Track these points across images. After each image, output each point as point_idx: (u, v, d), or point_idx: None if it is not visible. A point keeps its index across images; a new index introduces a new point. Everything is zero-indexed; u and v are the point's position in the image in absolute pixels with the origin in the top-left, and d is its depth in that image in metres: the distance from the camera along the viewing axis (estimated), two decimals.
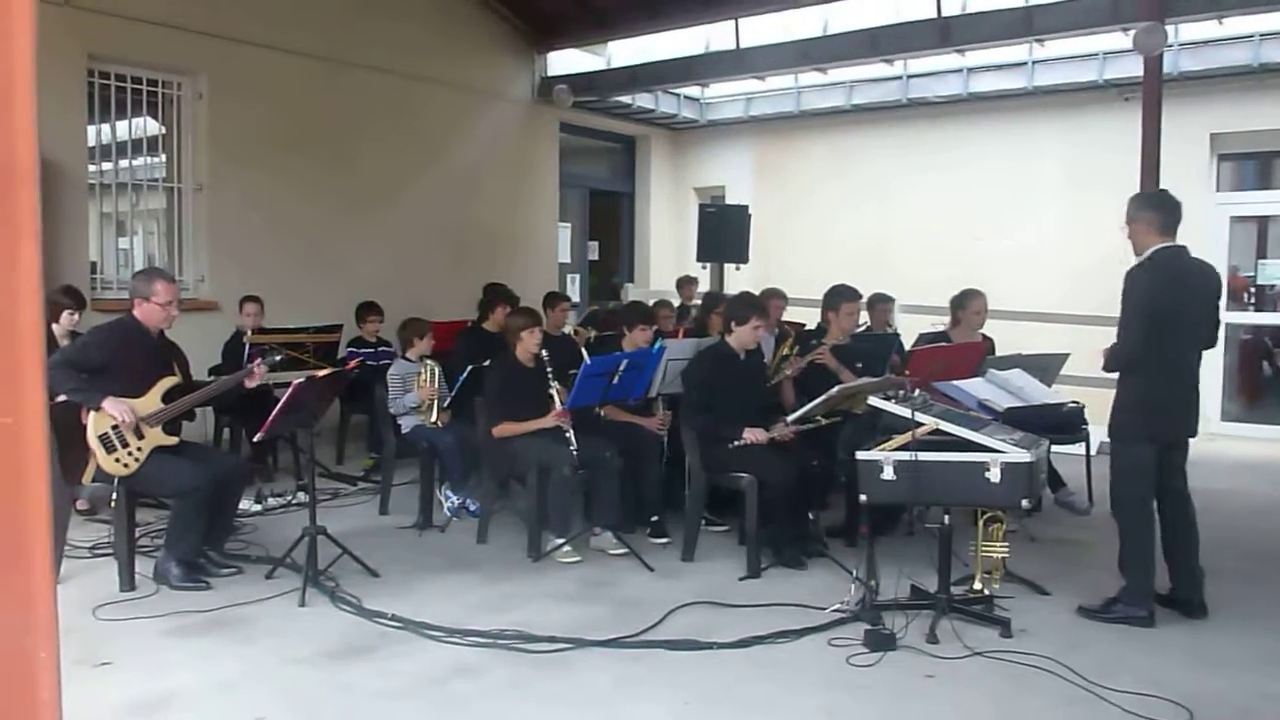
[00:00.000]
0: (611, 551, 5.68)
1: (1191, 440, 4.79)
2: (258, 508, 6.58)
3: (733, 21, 10.49)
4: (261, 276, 8.54)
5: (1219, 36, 9.86)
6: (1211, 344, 4.77)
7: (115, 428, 4.85)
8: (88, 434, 4.80)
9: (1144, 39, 7.78)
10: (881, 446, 4.46)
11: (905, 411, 4.44)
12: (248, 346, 7.01)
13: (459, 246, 10.75)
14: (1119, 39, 9.25)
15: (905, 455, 4.32)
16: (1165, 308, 4.50)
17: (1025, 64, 10.96)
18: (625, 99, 12.43)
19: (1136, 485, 4.61)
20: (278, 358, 5.74)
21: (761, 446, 5.46)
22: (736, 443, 5.44)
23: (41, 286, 1.32)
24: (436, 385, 6.61)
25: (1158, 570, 4.68)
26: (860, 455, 4.46)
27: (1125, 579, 4.64)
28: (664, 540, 5.95)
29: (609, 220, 13.99)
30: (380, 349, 8.27)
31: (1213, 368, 10.14)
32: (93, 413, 4.82)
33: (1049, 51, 10.71)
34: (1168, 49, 9.19)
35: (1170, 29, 8.82)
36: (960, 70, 11.35)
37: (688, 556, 5.64)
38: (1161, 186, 7.67)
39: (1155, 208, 4.65)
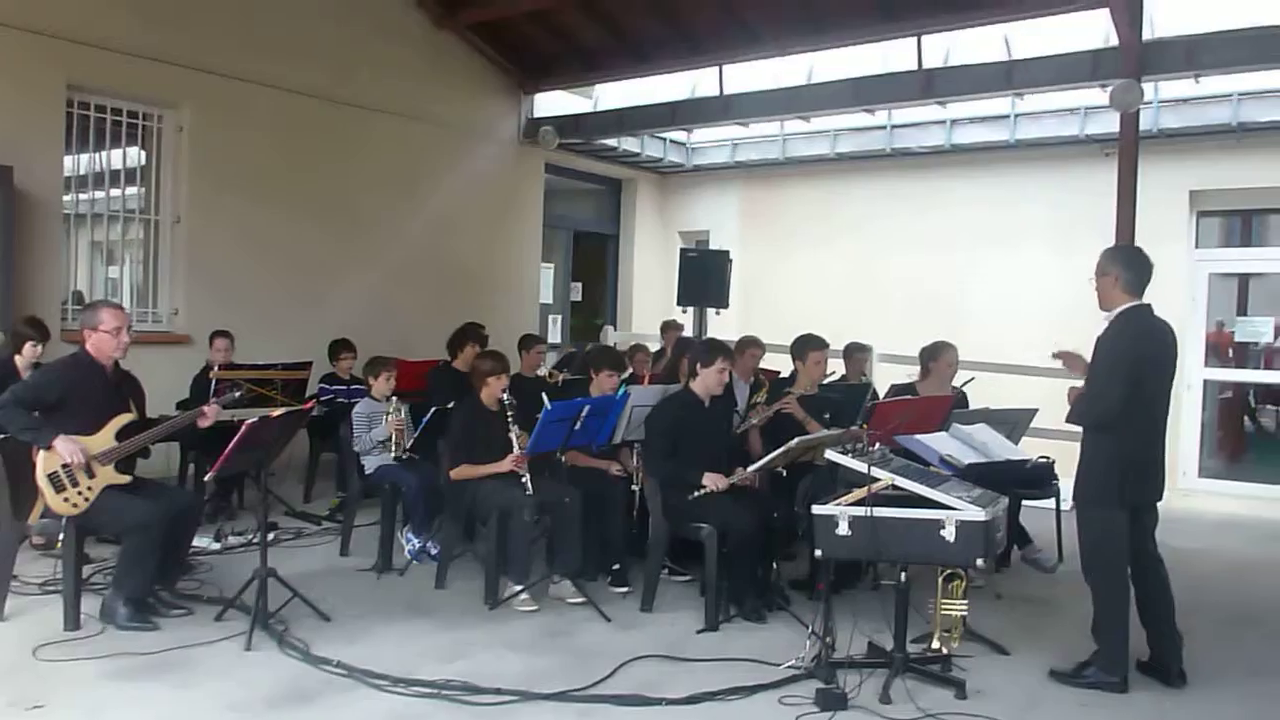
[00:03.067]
0: (570, 600, 5.60)
1: (1160, 501, 4.73)
2: (217, 546, 6.49)
3: (718, 68, 10.56)
4: (237, 311, 8.52)
5: (1198, 95, 9.93)
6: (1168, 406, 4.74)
7: (65, 466, 4.78)
8: (36, 472, 4.73)
9: (1121, 95, 7.83)
10: (837, 500, 4.41)
11: (861, 466, 4.39)
12: (214, 382, 6.97)
13: (441, 284, 10.73)
14: (1100, 94, 9.31)
15: (860, 510, 4.27)
16: (1138, 369, 4.46)
17: (1008, 117, 11.03)
18: (611, 142, 12.50)
19: (1112, 550, 4.53)
20: (237, 394, 5.69)
21: (724, 496, 5.40)
22: (697, 493, 5.38)
23: None
24: (404, 418, 6.57)
25: (1136, 636, 4.60)
26: (816, 509, 4.41)
27: (1099, 644, 4.56)
28: (625, 590, 5.87)
29: (593, 262, 14.01)
30: (353, 386, 8.19)
31: (1191, 424, 10.13)
32: (43, 451, 4.75)
33: (1031, 105, 10.80)
34: (1148, 106, 9.28)
35: (1150, 86, 8.89)
36: (943, 122, 11.42)
37: (647, 607, 5.56)
38: (1136, 243, 7.73)
39: (1127, 265, 4.60)
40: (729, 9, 9.75)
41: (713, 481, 5.40)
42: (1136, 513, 4.59)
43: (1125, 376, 4.41)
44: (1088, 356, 4.71)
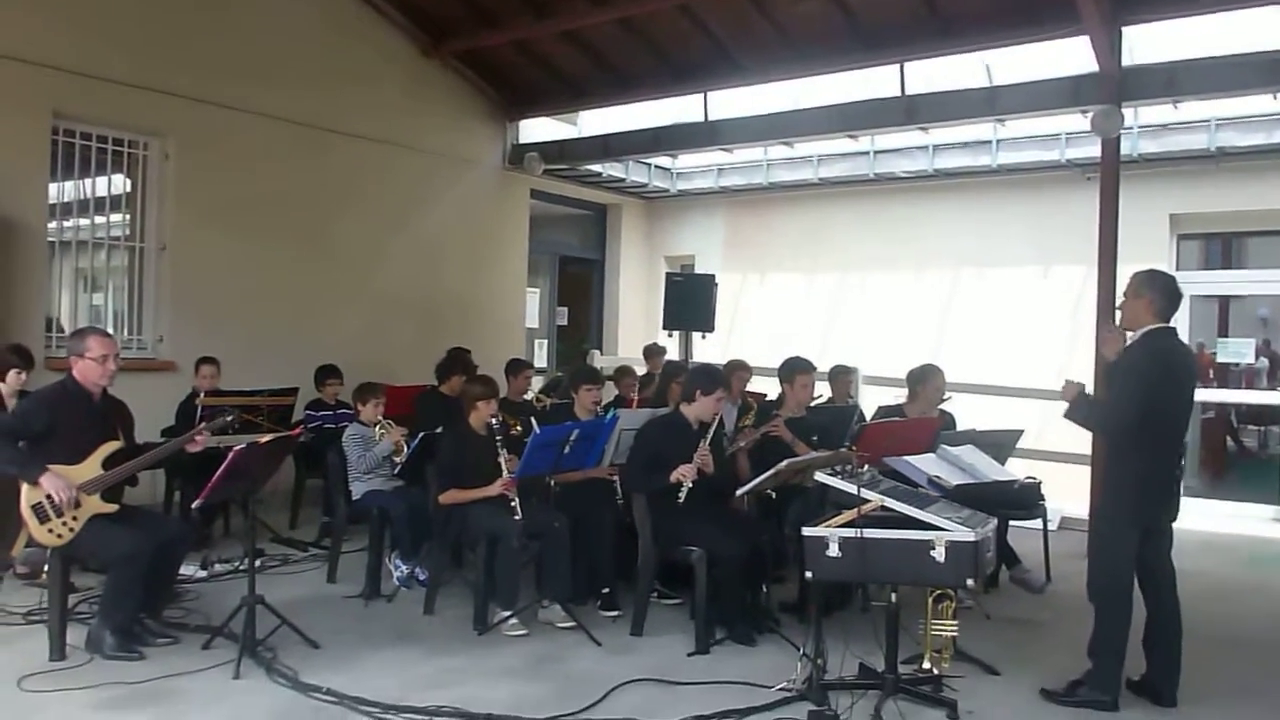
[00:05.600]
0: (559, 625, 5.57)
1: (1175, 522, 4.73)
2: (203, 574, 6.45)
3: (702, 95, 10.62)
4: (222, 338, 8.46)
5: (1177, 120, 10.05)
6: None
7: (50, 497, 4.73)
8: (20, 502, 4.68)
9: (1101, 121, 7.91)
10: (827, 522, 4.41)
11: (851, 487, 4.40)
12: (200, 409, 6.93)
13: (426, 310, 10.73)
14: (1080, 120, 9.40)
15: (850, 532, 4.27)
16: (1162, 391, 4.49)
17: (990, 143, 11.14)
18: (596, 167, 12.55)
19: (1122, 571, 4.55)
20: (228, 418, 5.65)
21: (713, 520, 5.40)
22: (679, 496, 5.41)
23: None
24: (400, 430, 6.58)
25: (1134, 655, 4.61)
26: (806, 531, 4.41)
27: (1093, 663, 4.57)
28: (615, 613, 5.84)
29: (579, 287, 14.04)
30: (340, 411, 8.17)
31: None
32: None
33: (1012, 131, 10.90)
34: (1127, 131, 9.37)
35: (1130, 112, 8.99)
36: (926, 147, 11.51)
37: (637, 631, 5.54)
38: (1119, 265, 7.82)
39: (1160, 291, 4.61)
40: (712, 38, 9.82)
41: (679, 473, 5.43)
42: (1152, 534, 4.60)
43: (1146, 392, 4.43)
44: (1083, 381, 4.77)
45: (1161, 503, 4.61)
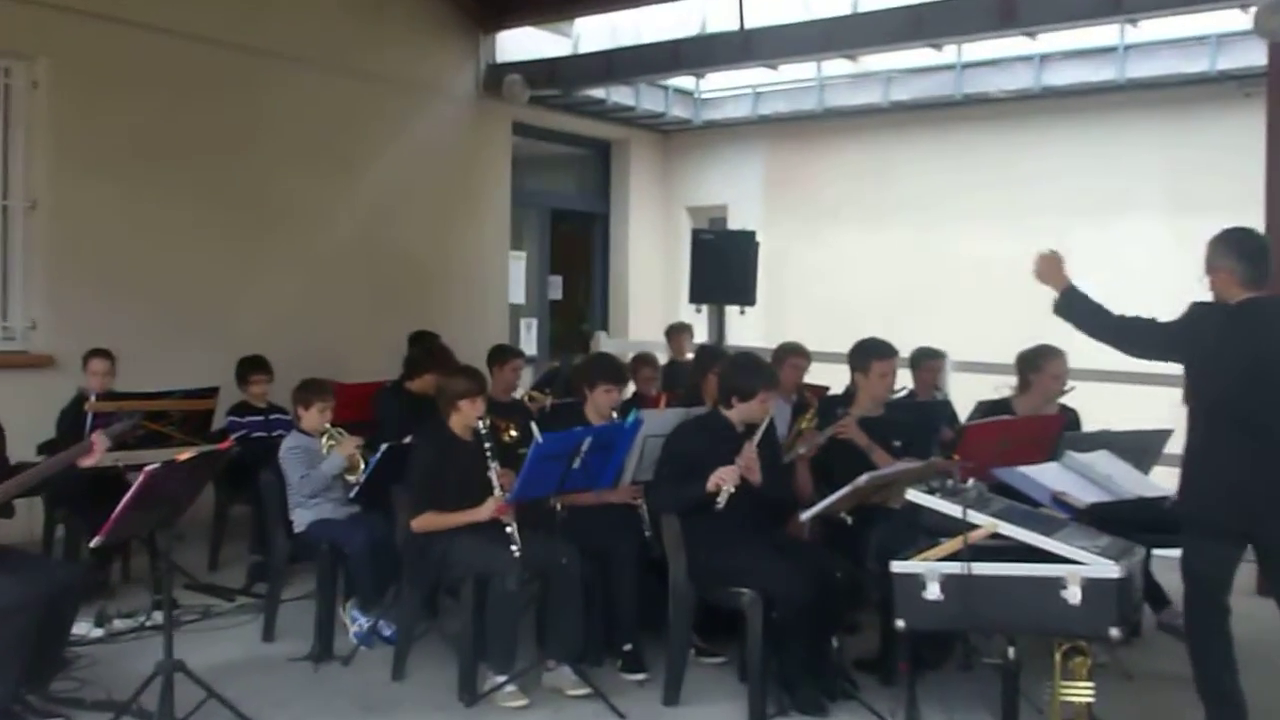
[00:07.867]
0: (570, 692, 5.59)
1: None
2: (99, 632, 6.45)
3: None
4: (115, 325, 8.49)
5: None
6: None
7: None
8: None
9: (1268, 19, 7.84)
10: (924, 555, 4.38)
11: (954, 509, 4.37)
12: (90, 416, 6.93)
13: (381, 284, 10.80)
14: (1236, 18, 9.35)
15: (955, 567, 4.25)
16: (1248, 368, 4.62)
17: (1115, 49, 11.11)
18: (598, 93, 12.58)
19: (1201, 590, 4.71)
20: (131, 423, 5.62)
21: (768, 553, 5.41)
22: (717, 503, 5.42)
23: None
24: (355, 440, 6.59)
25: None
26: (896, 566, 4.38)
27: (1204, 706, 4.70)
28: (641, 676, 5.86)
29: (577, 249, 14.10)
30: (272, 417, 8.18)
31: None
32: None
33: (1145, 34, 10.86)
34: None
35: None
36: (1031, 58, 11.51)
37: (671, 699, 5.56)
38: (1247, 226, 7.77)
39: (1240, 256, 4.77)
40: None
41: (718, 477, 5.43)
42: (1273, 554, 4.68)
43: (1177, 352, 4.99)
44: None
45: (1266, 508, 4.62)
